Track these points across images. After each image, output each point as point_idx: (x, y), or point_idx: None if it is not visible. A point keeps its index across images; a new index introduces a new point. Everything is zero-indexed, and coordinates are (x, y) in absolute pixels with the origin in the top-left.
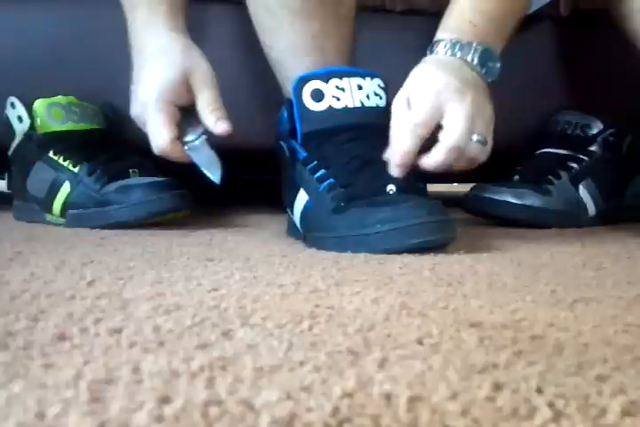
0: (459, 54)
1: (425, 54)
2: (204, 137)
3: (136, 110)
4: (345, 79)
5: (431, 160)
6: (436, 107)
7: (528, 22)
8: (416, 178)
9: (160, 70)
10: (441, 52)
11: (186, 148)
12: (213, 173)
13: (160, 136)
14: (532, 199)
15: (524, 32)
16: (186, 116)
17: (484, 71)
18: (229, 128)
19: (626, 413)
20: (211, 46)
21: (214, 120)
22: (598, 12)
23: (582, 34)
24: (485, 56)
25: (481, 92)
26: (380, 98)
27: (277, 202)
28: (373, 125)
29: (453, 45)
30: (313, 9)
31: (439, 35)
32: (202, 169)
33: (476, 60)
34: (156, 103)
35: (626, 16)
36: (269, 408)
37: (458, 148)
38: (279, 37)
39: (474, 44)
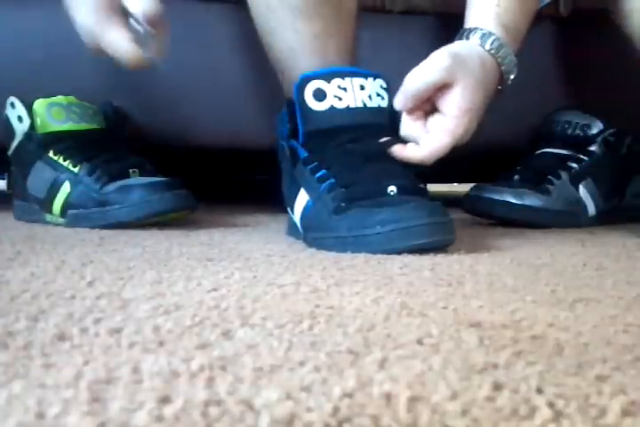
0: (488, 47)
1: (423, 54)
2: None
3: (84, 29)
4: (347, 79)
5: (438, 150)
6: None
7: None
8: (417, 178)
9: None
10: (475, 41)
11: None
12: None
13: (124, 50)
14: (531, 199)
15: None
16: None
17: (504, 68)
18: (153, 9)
19: (626, 413)
20: (211, 46)
21: (138, 6)
22: (598, 12)
23: (582, 34)
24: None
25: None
26: (383, 98)
27: (277, 202)
28: (375, 126)
29: (485, 37)
30: (315, 9)
31: (472, 23)
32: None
33: (502, 56)
34: (101, 18)
35: (626, 15)
36: (269, 408)
37: (460, 137)
38: (281, 37)
39: (503, 41)
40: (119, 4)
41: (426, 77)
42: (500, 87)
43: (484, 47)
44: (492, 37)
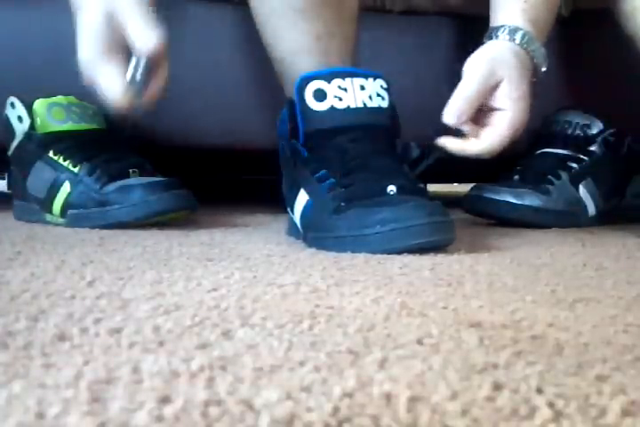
0: (518, 41)
1: (423, 54)
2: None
3: (81, 65)
4: (348, 79)
5: (501, 140)
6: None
7: None
8: (417, 178)
9: (87, 15)
10: (504, 37)
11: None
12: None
13: (112, 93)
14: (532, 199)
15: None
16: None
17: (536, 60)
18: (157, 42)
19: (626, 413)
20: (213, 46)
21: (142, 40)
22: (599, 12)
23: (582, 34)
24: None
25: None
26: (383, 99)
27: (277, 202)
28: (375, 126)
29: (513, 32)
30: (317, 9)
31: (500, 21)
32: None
33: (534, 49)
34: (95, 55)
35: (626, 15)
36: (269, 408)
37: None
38: (282, 37)
39: (531, 35)
40: (123, 43)
41: (472, 89)
42: (534, 79)
43: (514, 42)
44: (521, 32)
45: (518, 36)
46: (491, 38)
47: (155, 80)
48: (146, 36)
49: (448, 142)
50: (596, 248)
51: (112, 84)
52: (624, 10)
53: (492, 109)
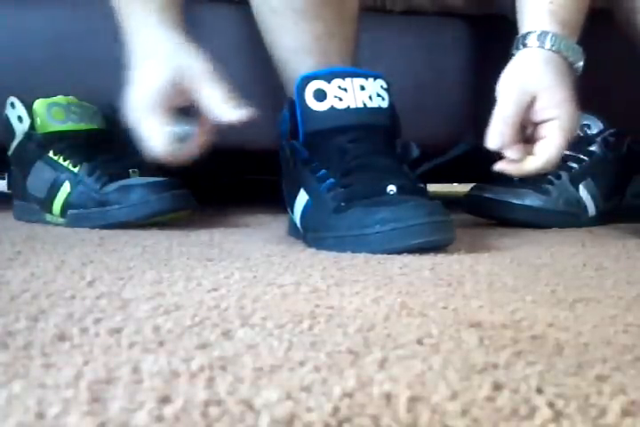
0: (548, 46)
1: (423, 54)
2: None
3: (128, 114)
4: (348, 79)
5: (558, 150)
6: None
7: None
8: (417, 178)
9: (148, 73)
10: (534, 44)
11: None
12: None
13: (154, 144)
14: (532, 199)
15: None
16: (183, 116)
17: (571, 59)
18: (249, 114)
19: (626, 413)
20: (213, 46)
21: (230, 111)
22: (598, 12)
23: (582, 34)
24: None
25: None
26: (383, 99)
27: (277, 202)
28: (375, 126)
29: (542, 36)
30: (317, 9)
31: (527, 27)
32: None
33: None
34: (146, 109)
35: (627, 15)
36: (269, 408)
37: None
38: (283, 37)
39: (561, 36)
40: (180, 104)
41: (508, 109)
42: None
43: (544, 47)
44: (549, 35)
45: (548, 40)
46: (519, 48)
47: (201, 136)
48: (227, 107)
49: (505, 166)
50: (595, 248)
51: (155, 134)
52: (625, 10)
53: (540, 123)
